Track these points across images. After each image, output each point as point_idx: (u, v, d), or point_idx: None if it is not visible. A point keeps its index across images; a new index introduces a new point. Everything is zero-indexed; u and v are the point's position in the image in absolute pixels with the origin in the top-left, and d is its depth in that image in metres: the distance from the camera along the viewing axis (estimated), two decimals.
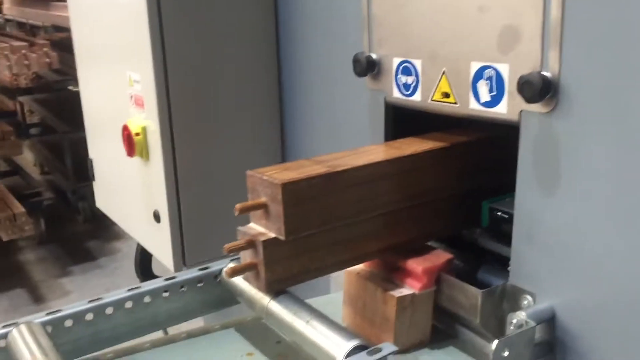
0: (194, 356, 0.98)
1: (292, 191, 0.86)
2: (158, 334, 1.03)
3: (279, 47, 1.45)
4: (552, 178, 0.86)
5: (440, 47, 1.00)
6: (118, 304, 0.97)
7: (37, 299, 3.89)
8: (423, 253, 1.03)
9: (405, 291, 1.00)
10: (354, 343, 0.78)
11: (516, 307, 0.95)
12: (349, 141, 1.26)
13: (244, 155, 1.45)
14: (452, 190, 1.06)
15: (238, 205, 0.87)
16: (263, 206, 0.88)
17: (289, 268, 0.90)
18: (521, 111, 0.89)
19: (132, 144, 1.39)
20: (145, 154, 1.40)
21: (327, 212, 0.91)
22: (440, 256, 1.03)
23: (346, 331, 0.81)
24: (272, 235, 0.88)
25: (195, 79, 1.35)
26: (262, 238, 0.87)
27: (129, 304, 0.98)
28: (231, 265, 1.01)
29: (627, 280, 0.79)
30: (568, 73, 0.82)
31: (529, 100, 0.84)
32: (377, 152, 1.01)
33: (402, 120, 1.15)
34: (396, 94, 1.10)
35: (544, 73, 0.83)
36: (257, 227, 0.91)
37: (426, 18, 1.01)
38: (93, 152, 1.87)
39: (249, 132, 1.46)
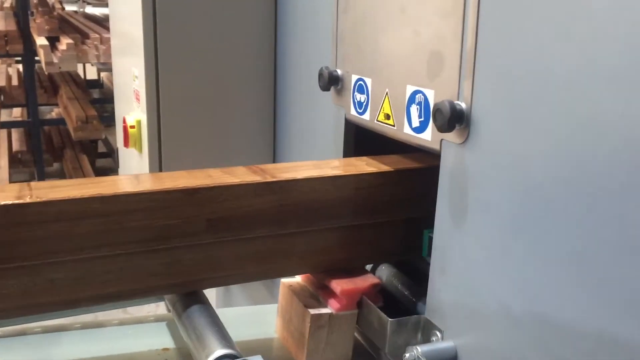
0: (114, 343, 1.01)
1: None
2: (91, 316, 1.07)
3: (276, 50, 1.46)
4: (461, 211, 0.83)
5: (385, 68, 0.98)
6: None
7: None
8: (353, 275, 1.02)
9: (323, 310, 0.98)
10: (223, 352, 0.78)
11: (428, 341, 0.91)
12: (317, 152, 1.26)
13: (235, 156, 1.48)
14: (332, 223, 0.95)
15: None
16: None
17: None
18: (441, 140, 0.85)
19: (127, 135, 1.46)
20: (139, 147, 1.46)
21: (10, 248, 0.76)
22: (366, 280, 1.00)
23: (225, 341, 0.82)
24: None
25: (188, 78, 1.40)
26: None
27: None
28: None
29: (521, 327, 0.74)
30: (478, 105, 0.78)
31: (439, 129, 0.81)
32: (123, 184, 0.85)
33: (364, 138, 1.13)
34: (353, 111, 1.09)
35: (458, 103, 0.80)
36: None
37: (376, 38, 1.00)
38: (119, 142, 1.97)
39: (242, 133, 1.49)
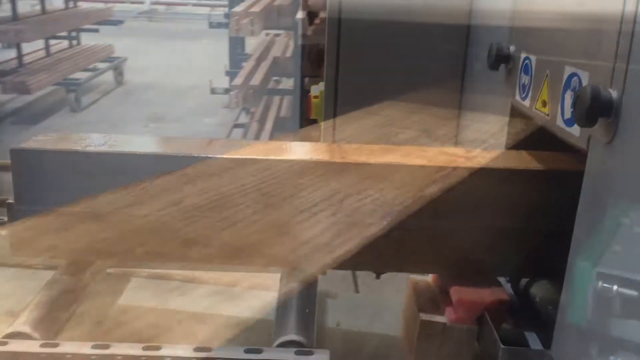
0: (239, 302, 1.03)
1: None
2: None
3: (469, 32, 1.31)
4: (599, 233, 0.64)
5: (548, 46, 0.80)
6: None
7: None
8: (482, 285, 0.87)
9: (436, 318, 0.87)
10: (289, 337, 0.74)
11: None
12: (490, 140, 1.10)
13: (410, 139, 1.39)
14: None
15: None
16: None
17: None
18: (589, 137, 0.67)
19: (309, 105, 1.47)
20: (320, 117, 1.46)
21: None
22: (493, 294, 0.85)
23: (299, 328, 0.76)
24: None
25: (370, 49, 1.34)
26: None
27: None
28: None
29: None
30: (632, 94, 0.59)
31: (578, 121, 0.63)
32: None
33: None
34: (517, 95, 0.93)
35: (605, 90, 0.61)
36: None
37: (544, 9, 0.82)
38: None
39: (420, 113, 1.38)
